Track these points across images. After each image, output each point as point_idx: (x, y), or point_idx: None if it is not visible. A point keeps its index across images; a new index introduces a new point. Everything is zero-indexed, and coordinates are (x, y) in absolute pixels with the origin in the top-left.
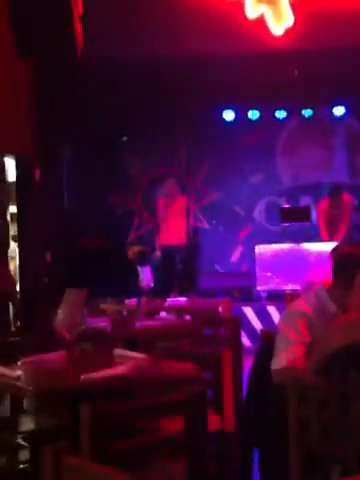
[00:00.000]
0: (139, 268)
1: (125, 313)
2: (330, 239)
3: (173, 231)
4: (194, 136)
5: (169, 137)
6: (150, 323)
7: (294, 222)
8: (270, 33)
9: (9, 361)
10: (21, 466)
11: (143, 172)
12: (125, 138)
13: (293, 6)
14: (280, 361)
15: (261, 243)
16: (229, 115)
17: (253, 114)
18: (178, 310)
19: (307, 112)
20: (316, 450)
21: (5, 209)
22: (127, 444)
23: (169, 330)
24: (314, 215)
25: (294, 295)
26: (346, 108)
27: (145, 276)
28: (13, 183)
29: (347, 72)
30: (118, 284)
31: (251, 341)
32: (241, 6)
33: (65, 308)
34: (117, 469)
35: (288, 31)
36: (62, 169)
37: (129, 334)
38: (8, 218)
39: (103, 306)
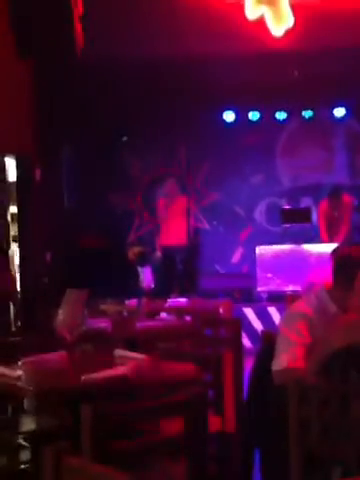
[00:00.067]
0: (139, 269)
1: (125, 314)
2: (330, 240)
3: (173, 231)
4: (194, 136)
5: (169, 137)
6: (150, 324)
7: (294, 223)
8: (270, 34)
9: (10, 361)
10: (22, 466)
11: (143, 172)
12: (125, 138)
13: (293, 7)
14: (281, 362)
15: (262, 244)
16: (229, 116)
17: (253, 115)
18: (178, 311)
19: (307, 113)
20: (316, 451)
21: (5, 209)
22: (128, 445)
23: (169, 331)
24: (314, 216)
25: (295, 296)
26: (346, 109)
27: (145, 277)
28: (13, 183)
29: (347, 73)
30: (118, 285)
31: (252, 342)
32: (241, 7)
33: (65, 309)
34: (118, 470)
35: (288, 32)
36: (62, 169)
37: (129, 335)
38: (8, 218)
39: (103, 307)
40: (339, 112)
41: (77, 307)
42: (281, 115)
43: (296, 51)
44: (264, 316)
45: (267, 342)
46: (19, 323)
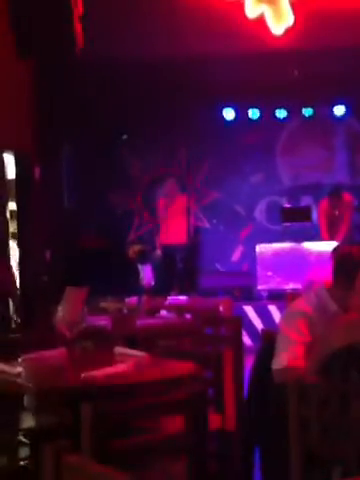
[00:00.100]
0: (139, 266)
1: (125, 311)
2: (331, 239)
3: (173, 230)
4: (194, 135)
5: (169, 136)
6: (150, 321)
7: (295, 222)
8: (270, 32)
9: (10, 358)
10: (21, 463)
11: (143, 172)
12: (125, 136)
13: (293, 6)
14: (281, 360)
15: (262, 242)
16: (229, 114)
17: (253, 113)
18: (179, 309)
19: (307, 111)
20: (316, 450)
21: (4, 206)
22: (128, 443)
23: (170, 329)
24: (314, 215)
25: (295, 294)
26: (346, 107)
27: (146, 274)
28: (12, 180)
29: (347, 71)
30: (118, 282)
31: (252, 340)
32: (241, 6)
33: (65, 306)
34: (117, 468)
35: (288, 30)
36: (62, 167)
37: (129, 332)
38: (8, 215)
39: (104, 304)
40: (339, 111)
41: (77, 305)
42: (281, 113)
43: (296, 50)
44: (264, 314)
45: (267, 340)
46: (19, 320)
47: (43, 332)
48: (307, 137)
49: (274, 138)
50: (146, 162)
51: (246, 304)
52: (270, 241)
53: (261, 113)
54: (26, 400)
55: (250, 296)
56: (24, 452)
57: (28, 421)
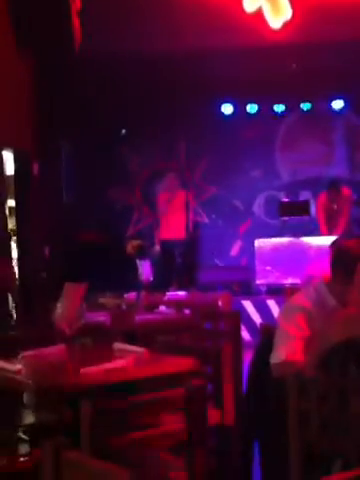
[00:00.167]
0: (138, 262)
1: (124, 307)
2: (329, 233)
3: (172, 225)
4: (192, 130)
5: (167, 131)
6: (149, 317)
7: (293, 216)
8: (268, 27)
9: (9, 355)
10: (21, 460)
11: (142, 167)
12: (124, 131)
13: None
14: (279, 355)
15: (260, 237)
16: (228, 109)
17: (252, 108)
18: (178, 304)
19: (306, 106)
20: (316, 444)
21: (3, 203)
22: (127, 439)
23: (168, 324)
24: (313, 209)
25: (293, 289)
26: (345, 102)
27: (145, 270)
28: (11, 176)
29: (345, 66)
30: (117, 278)
31: (251, 335)
32: (239, 0)
33: (64, 302)
34: (117, 464)
35: (286, 24)
36: (61, 163)
37: (128, 328)
38: (6, 212)
39: (102, 300)
40: (337, 105)
41: (76, 301)
42: (279, 108)
43: (294, 44)
44: (263, 309)
45: (266, 335)
46: (18, 317)
47: (42, 329)
48: (305, 131)
49: (273, 133)
50: (145, 157)
51: (245, 299)
52: (269, 236)
53: (259, 108)
54: (25, 397)
55: (249, 291)
56: (24, 449)
57: (28, 418)
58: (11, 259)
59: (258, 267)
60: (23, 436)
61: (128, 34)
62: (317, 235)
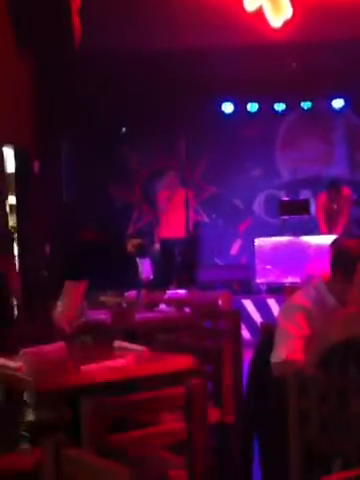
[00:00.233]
0: (138, 260)
1: (125, 305)
2: (329, 232)
3: (172, 224)
4: (193, 129)
5: (168, 130)
6: (150, 315)
7: (293, 215)
8: (269, 25)
9: (10, 352)
10: (22, 457)
11: (142, 165)
12: (124, 129)
13: None
14: (279, 354)
15: (260, 236)
16: (228, 107)
17: (252, 106)
18: (178, 302)
19: (306, 104)
20: (316, 443)
21: (4, 200)
22: (127, 437)
23: (169, 322)
24: (313, 208)
25: (293, 288)
26: (345, 101)
27: (145, 268)
28: (12, 174)
29: (346, 65)
30: (117, 276)
31: (251, 334)
32: None
33: (64, 300)
34: (117, 462)
35: (287, 23)
36: (61, 161)
37: (129, 326)
38: (7, 209)
39: (103, 298)
40: (338, 104)
41: (76, 299)
42: (280, 106)
43: (295, 43)
44: (263, 308)
45: (266, 334)
46: (18, 315)
47: (43, 326)
48: (306, 130)
49: (273, 131)
50: (145, 156)
51: (245, 298)
52: (269, 235)
53: (260, 106)
54: (26, 394)
55: (249, 290)
56: (24, 446)
57: (28, 415)
58: (13, 256)
59: (258, 266)
60: (24, 434)
61: (128, 33)
62: (317, 234)
